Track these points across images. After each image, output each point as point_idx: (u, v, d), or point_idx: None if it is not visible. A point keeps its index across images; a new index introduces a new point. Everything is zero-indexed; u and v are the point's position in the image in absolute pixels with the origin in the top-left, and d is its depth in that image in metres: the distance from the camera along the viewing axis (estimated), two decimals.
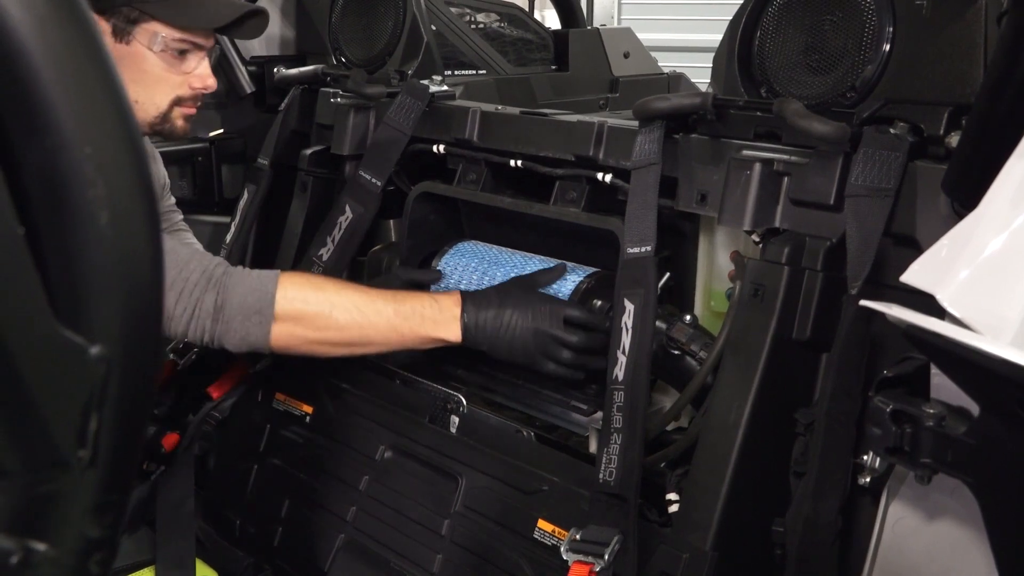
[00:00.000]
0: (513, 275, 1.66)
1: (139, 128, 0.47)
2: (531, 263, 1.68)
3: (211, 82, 1.68)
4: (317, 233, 1.92)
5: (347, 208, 1.88)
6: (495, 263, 1.71)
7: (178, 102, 1.67)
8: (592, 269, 1.66)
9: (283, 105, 2.20)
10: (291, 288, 1.49)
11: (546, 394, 1.81)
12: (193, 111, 1.71)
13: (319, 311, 1.49)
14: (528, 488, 1.52)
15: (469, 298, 1.54)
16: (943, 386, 1.01)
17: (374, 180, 1.86)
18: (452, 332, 1.53)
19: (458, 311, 1.52)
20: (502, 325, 1.52)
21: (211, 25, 1.63)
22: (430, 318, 1.52)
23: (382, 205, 1.93)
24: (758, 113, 1.40)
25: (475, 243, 1.80)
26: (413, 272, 1.77)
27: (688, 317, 1.56)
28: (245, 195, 2.19)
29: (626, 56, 2.81)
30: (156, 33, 1.60)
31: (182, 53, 1.64)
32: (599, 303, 1.58)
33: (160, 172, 1.95)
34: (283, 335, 1.49)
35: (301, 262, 1.93)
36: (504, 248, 1.76)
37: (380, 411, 1.77)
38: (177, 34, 1.61)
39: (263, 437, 1.91)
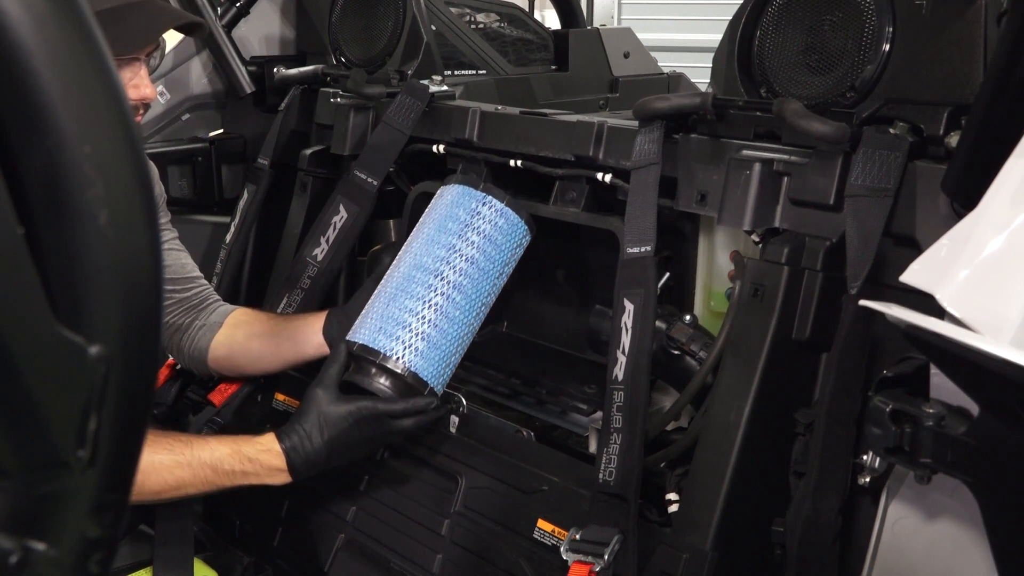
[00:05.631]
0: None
1: (138, 128, 0.47)
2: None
3: (146, 92, 1.57)
4: (309, 233, 1.92)
5: (341, 207, 1.88)
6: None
7: None
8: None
9: (283, 105, 2.20)
10: None
11: (546, 394, 1.81)
12: (137, 120, 1.66)
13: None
14: (528, 488, 1.52)
15: (291, 448, 1.47)
16: (943, 386, 1.01)
17: (370, 179, 1.85)
18: (279, 474, 1.48)
19: (283, 462, 1.47)
20: (332, 454, 1.48)
21: (127, 53, 1.53)
22: (254, 463, 1.47)
23: (382, 205, 1.93)
24: (758, 113, 1.40)
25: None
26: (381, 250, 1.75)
27: (688, 317, 1.56)
28: (245, 195, 2.19)
29: (626, 56, 2.81)
30: None
31: None
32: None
33: (158, 188, 1.93)
34: None
35: (296, 263, 1.92)
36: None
37: None
38: None
39: None
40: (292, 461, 1.47)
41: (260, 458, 1.47)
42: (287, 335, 1.74)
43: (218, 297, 1.85)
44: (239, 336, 1.77)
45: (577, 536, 1.37)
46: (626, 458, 1.37)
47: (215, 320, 1.79)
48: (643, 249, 1.43)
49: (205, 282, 1.84)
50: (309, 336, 1.71)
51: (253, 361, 1.78)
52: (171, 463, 1.45)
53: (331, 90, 2.07)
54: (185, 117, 2.39)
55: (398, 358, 1.49)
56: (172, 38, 2.10)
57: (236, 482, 1.48)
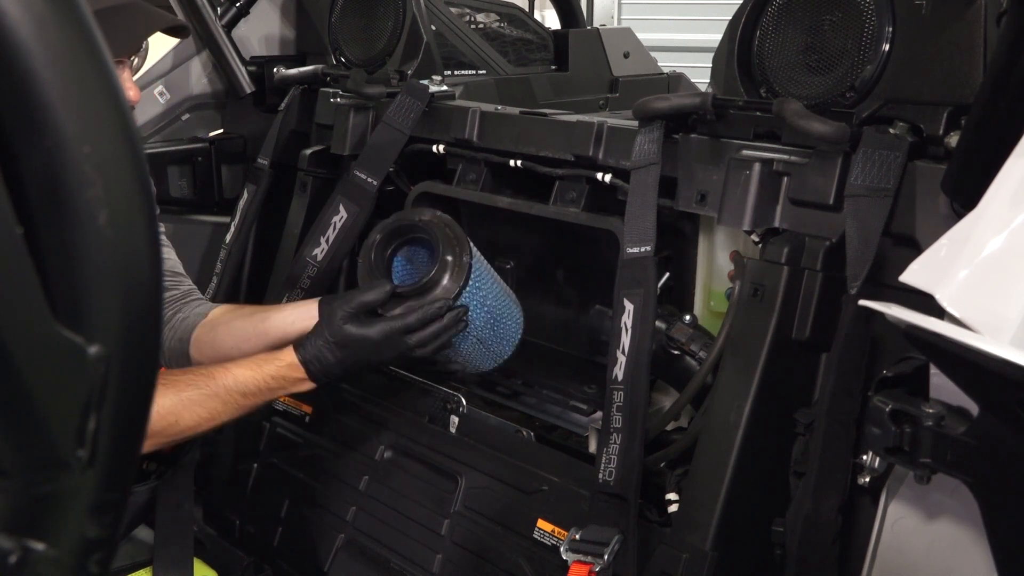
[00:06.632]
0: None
1: (138, 128, 0.47)
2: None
3: (130, 95, 1.58)
4: (309, 233, 1.92)
5: (341, 207, 1.88)
6: None
7: None
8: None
9: (283, 105, 2.20)
10: None
11: (546, 394, 1.81)
12: None
13: (165, 425, 1.46)
14: (528, 488, 1.52)
15: (300, 344, 1.52)
16: (943, 386, 1.01)
17: (370, 180, 1.85)
18: (302, 383, 1.52)
19: (295, 358, 1.51)
20: (347, 370, 1.52)
21: (112, 57, 1.56)
22: (277, 379, 1.51)
23: (382, 205, 1.93)
24: (758, 113, 1.40)
25: None
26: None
27: (688, 317, 1.56)
28: (245, 195, 2.19)
29: (626, 56, 2.81)
30: None
31: None
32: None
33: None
34: None
35: (296, 263, 1.92)
36: None
37: (380, 411, 1.77)
38: None
39: (262, 437, 1.91)
40: (311, 371, 1.50)
41: (282, 373, 1.52)
42: (275, 328, 1.73)
43: (200, 295, 1.85)
44: (224, 332, 1.76)
45: (577, 536, 1.37)
46: (626, 458, 1.37)
47: (200, 311, 1.77)
48: (643, 249, 1.43)
49: (190, 281, 1.84)
50: (301, 328, 1.70)
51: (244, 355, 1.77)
52: (200, 397, 1.48)
53: (331, 90, 2.07)
54: (185, 117, 2.40)
55: None
56: (171, 38, 2.10)
57: (265, 398, 1.53)
